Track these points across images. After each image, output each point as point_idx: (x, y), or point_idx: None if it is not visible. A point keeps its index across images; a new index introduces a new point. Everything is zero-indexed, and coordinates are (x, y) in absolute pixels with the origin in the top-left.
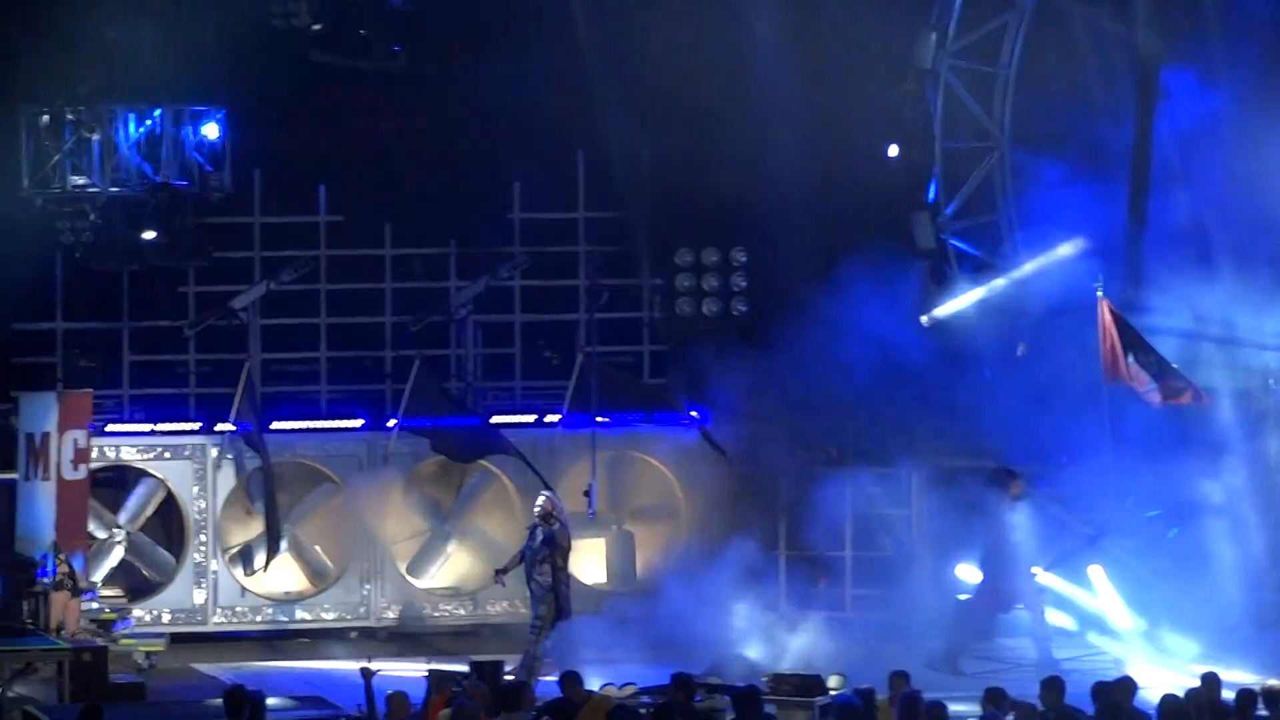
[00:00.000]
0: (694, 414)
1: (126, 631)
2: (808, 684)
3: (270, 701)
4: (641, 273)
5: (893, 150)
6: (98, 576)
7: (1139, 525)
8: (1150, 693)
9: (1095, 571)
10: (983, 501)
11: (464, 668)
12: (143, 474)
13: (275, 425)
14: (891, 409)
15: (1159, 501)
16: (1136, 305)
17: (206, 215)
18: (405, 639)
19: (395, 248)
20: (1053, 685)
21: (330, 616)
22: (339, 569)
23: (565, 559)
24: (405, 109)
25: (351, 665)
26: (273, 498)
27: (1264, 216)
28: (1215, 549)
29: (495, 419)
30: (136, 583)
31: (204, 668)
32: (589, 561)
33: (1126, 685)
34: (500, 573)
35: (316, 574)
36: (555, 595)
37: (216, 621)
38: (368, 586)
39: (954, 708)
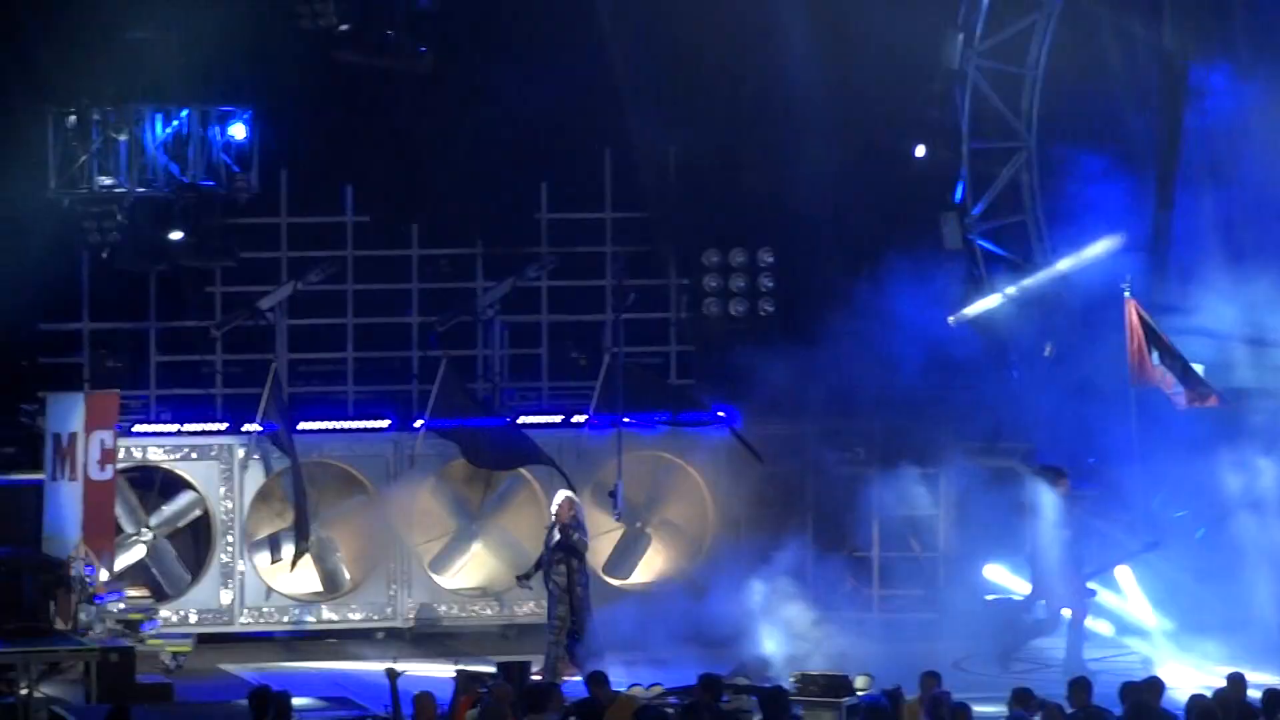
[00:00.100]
0: (721, 414)
1: (153, 632)
2: (835, 684)
3: (296, 702)
4: (668, 273)
5: (920, 150)
6: (178, 577)
7: (1176, 528)
8: (1178, 693)
9: (1122, 572)
10: (1032, 500)
11: (491, 668)
12: (187, 486)
13: (302, 426)
14: (919, 409)
15: (1187, 502)
16: (1165, 305)
17: (233, 216)
18: (432, 640)
19: (422, 248)
20: (1080, 685)
21: (357, 617)
22: (360, 576)
23: (582, 562)
24: (432, 109)
25: (378, 666)
26: (302, 498)
27: None
28: (1243, 549)
29: (522, 420)
30: (166, 581)
31: (230, 668)
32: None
33: (1154, 686)
34: (522, 578)
35: (332, 581)
36: (570, 597)
37: (243, 622)
38: (394, 587)
39: (982, 708)
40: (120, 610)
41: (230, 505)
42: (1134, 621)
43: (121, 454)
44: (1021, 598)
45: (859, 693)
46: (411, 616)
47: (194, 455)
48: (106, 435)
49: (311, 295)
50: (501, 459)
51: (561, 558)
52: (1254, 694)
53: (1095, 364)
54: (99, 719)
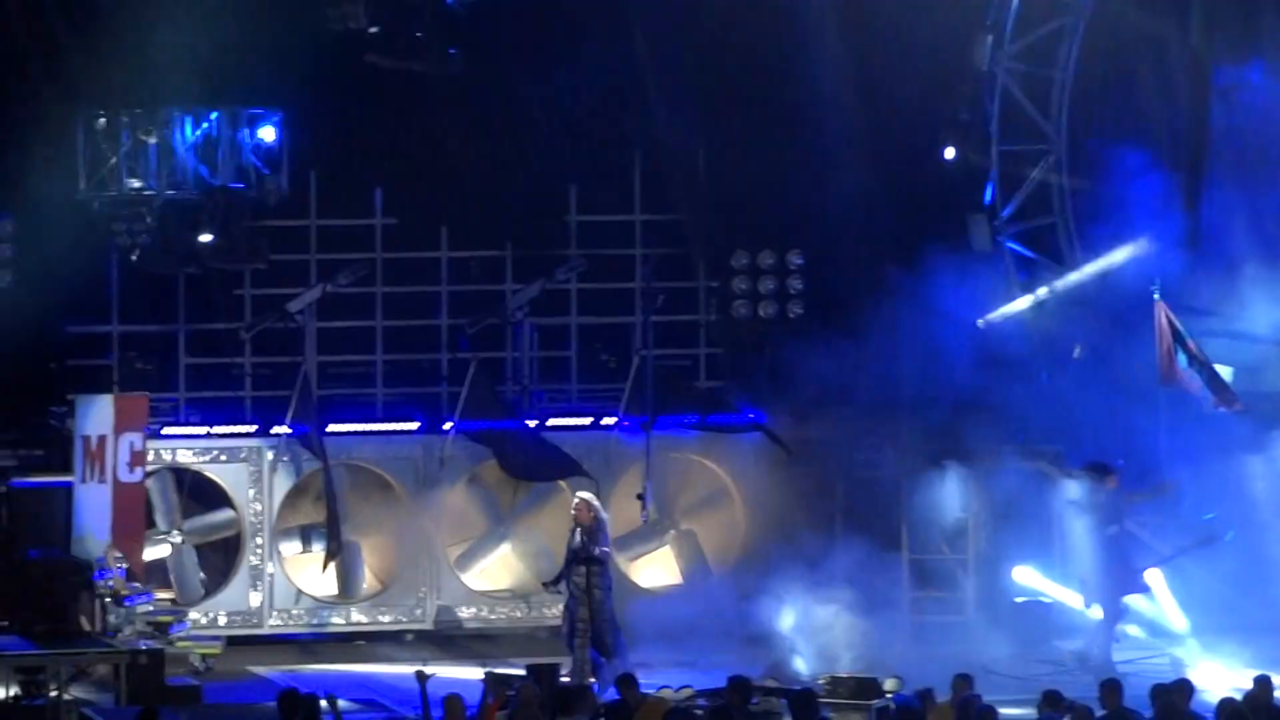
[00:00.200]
0: (750, 416)
1: (183, 634)
2: (864, 686)
3: (324, 704)
4: (698, 275)
5: (949, 153)
6: (194, 587)
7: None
8: (1208, 695)
9: (1152, 575)
10: (1077, 498)
11: (520, 671)
12: (226, 502)
13: (331, 428)
14: (949, 411)
15: (1216, 504)
16: (1196, 307)
17: (263, 218)
18: (460, 642)
19: (451, 250)
20: (1112, 687)
21: (386, 619)
22: (390, 579)
23: (604, 568)
24: (461, 111)
25: (407, 669)
26: (333, 500)
27: None
28: (1273, 552)
29: (551, 422)
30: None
31: (260, 670)
32: (656, 568)
33: (1183, 688)
34: (549, 584)
35: (349, 585)
36: (589, 599)
37: (272, 624)
38: (423, 589)
39: (1012, 711)
40: (149, 612)
41: (259, 508)
42: (1163, 624)
43: (151, 456)
44: (1051, 600)
45: (888, 695)
46: (441, 620)
47: (223, 458)
48: (136, 437)
49: (341, 297)
50: (535, 470)
51: (582, 559)
52: None
53: (1125, 366)
54: None
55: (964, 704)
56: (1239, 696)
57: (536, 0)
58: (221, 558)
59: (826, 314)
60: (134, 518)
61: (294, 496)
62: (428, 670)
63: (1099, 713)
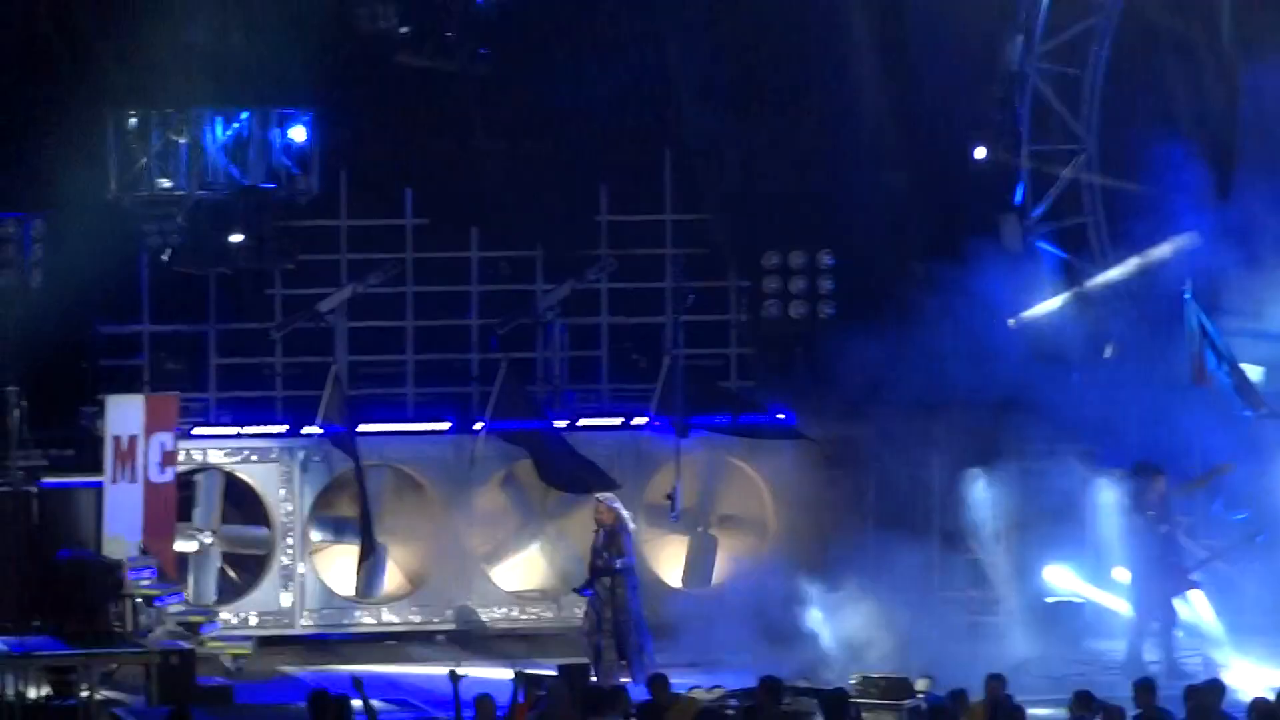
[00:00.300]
0: (781, 415)
1: (214, 635)
2: (896, 686)
3: (357, 704)
4: (728, 275)
5: (980, 152)
6: (209, 588)
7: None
8: (1241, 695)
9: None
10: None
11: (550, 671)
12: (198, 471)
13: (361, 428)
14: (980, 411)
15: (1248, 505)
16: (1227, 307)
17: (293, 218)
18: (491, 642)
19: (482, 250)
20: (1146, 687)
21: (417, 619)
22: (418, 581)
23: (628, 575)
24: (492, 111)
25: (438, 669)
26: (365, 500)
27: None
28: None
29: (582, 422)
30: (223, 585)
31: (291, 670)
32: (668, 560)
33: (1216, 688)
34: (579, 590)
35: (369, 586)
36: (613, 598)
37: (303, 624)
38: (455, 590)
39: (1043, 711)
40: (180, 612)
41: (290, 508)
42: (1196, 624)
43: (181, 456)
44: (1084, 600)
45: (920, 695)
46: (472, 619)
47: (253, 458)
48: (167, 437)
49: (371, 297)
50: (569, 481)
51: (605, 573)
52: None
53: (1156, 365)
54: None
55: (996, 704)
56: (1271, 696)
57: (566, 0)
58: (252, 559)
59: (857, 314)
60: (165, 518)
61: (330, 494)
62: (460, 670)
63: (1132, 713)
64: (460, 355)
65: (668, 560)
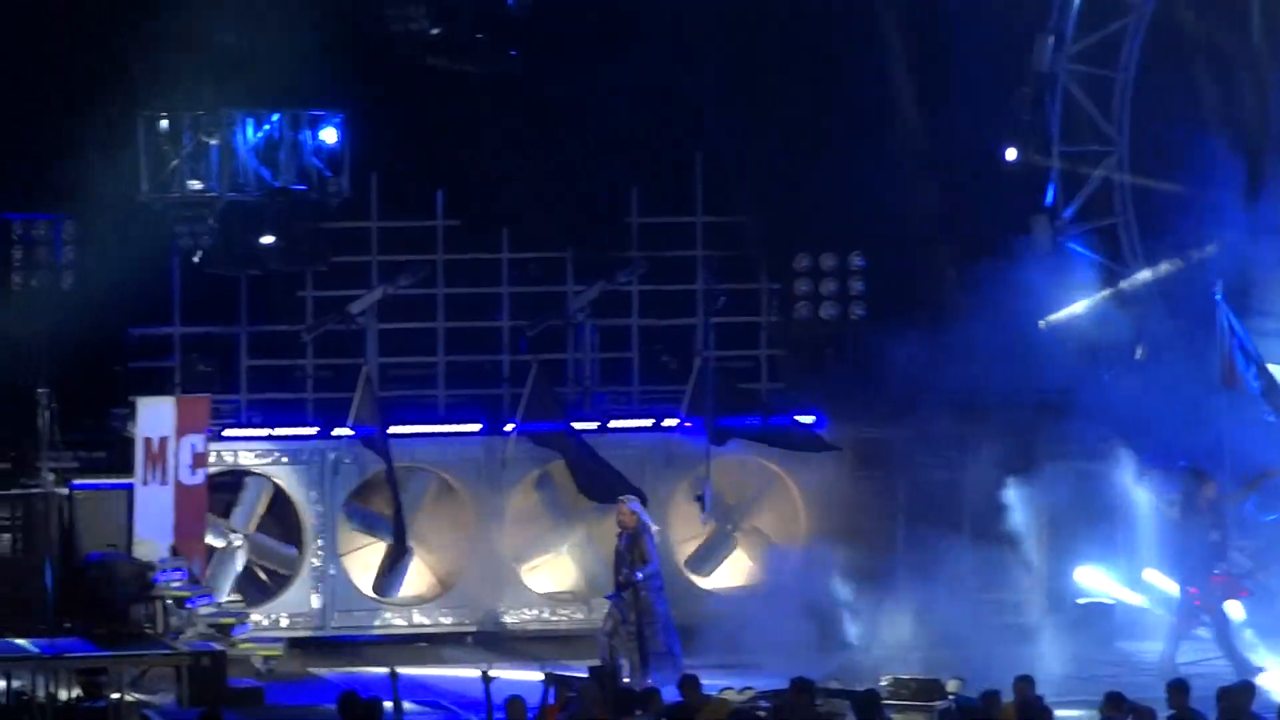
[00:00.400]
0: (810, 418)
1: (245, 636)
2: (927, 688)
3: (387, 706)
4: (759, 277)
5: (1011, 154)
6: (225, 586)
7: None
8: (1274, 696)
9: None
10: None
11: (581, 673)
12: (247, 473)
13: (392, 429)
14: (1011, 413)
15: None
16: (1257, 308)
17: (324, 220)
18: (521, 644)
19: (512, 252)
20: (1179, 688)
21: (448, 621)
22: (449, 582)
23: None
24: (523, 113)
25: (469, 671)
26: (398, 501)
27: None
28: None
29: (613, 423)
30: (254, 587)
31: (321, 672)
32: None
33: (1248, 689)
34: (609, 597)
35: (389, 586)
36: (636, 601)
37: (335, 626)
38: (486, 591)
39: (1072, 713)
40: (211, 614)
41: (321, 509)
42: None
43: (212, 458)
44: (1115, 601)
45: (951, 696)
46: (503, 621)
47: (285, 459)
48: (198, 439)
49: (402, 299)
50: (597, 490)
51: (628, 562)
52: None
53: (1188, 366)
54: None
55: (1025, 706)
56: None
57: (597, 1)
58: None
59: (888, 316)
60: (196, 520)
61: (362, 495)
62: (491, 672)
63: (1164, 714)
64: (491, 357)
65: (685, 549)
